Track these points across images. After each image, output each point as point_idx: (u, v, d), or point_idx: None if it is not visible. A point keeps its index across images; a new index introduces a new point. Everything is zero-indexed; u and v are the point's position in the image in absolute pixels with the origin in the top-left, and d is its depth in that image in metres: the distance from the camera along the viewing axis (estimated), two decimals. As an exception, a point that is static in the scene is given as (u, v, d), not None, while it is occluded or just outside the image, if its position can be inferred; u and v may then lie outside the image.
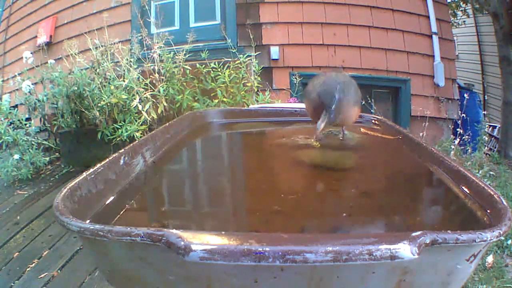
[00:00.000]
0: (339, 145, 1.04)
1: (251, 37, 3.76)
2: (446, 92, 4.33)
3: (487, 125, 4.64)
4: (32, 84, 3.59)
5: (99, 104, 3.25)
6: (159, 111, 3.29)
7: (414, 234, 0.42)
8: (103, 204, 0.64)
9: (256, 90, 3.56)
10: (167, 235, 0.42)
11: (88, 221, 0.56)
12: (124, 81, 3.24)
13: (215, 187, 0.80)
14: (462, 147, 3.64)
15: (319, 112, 0.90)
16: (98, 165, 0.68)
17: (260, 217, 0.63)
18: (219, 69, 3.48)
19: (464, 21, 7.91)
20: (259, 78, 3.60)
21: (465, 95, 3.94)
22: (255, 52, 3.75)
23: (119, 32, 3.98)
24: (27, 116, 3.64)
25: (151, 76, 3.37)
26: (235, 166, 0.95)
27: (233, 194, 0.77)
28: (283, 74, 4.11)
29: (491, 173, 3.35)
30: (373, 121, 1.23)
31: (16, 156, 3.34)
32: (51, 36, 4.68)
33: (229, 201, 0.73)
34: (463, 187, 0.67)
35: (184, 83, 3.49)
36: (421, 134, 3.56)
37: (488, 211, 0.57)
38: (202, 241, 0.41)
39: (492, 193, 0.58)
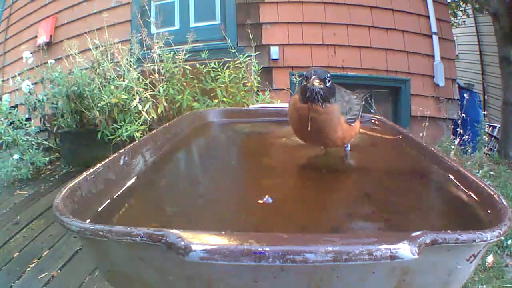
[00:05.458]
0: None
1: (251, 37, 3.76)
2: (446, 92, 4.33)
3: (487, 125, 4.63)
4: (32, 84, 3.59)
5: (99, 104, 3.25)
6: (159, 111, 3.29)
7: (414, 234, 0.42)
8: (103, 204, 0.64)
9: (256, 90, 3.56)
10: (167, 235, 0.42)
11: (88, 221, 0.56)
12: (124, 81, 3.24)
13: (215, 187, 0.80)
14: (462, 147, 3.64)
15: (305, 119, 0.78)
16: (98, 165, 0.68)
17: (260, 217, 0.63)
18: (219, 69, 3.48)
19: (464, 21, 7.92)
20: (259, 78, 3.60)
21: (465, 95, 3.94)
22: (255, 52, 3.74)
23: (119, 32, 3.98)
24: (27, 116, 3.64)
25: (151, 76, 3.36)
26: (235, 166, 0.95)
27: (233, 194, 0.77)
28: (283, 74, 4.11)
29: (491, 173, 3.35)
30: (373, 121, 1.22)
31: (16, 156, 3.34)
32: (51, 36, 4.69)
33: (229, 201, 0.73)
34: (463, 187, 0.67)
35: (184, 83, 3.49)
36: (421, 134, 3.56)
37: (488, 211, 0.57)
38: (202, 241, 0.41)
39: (492, 193, 0.58)
